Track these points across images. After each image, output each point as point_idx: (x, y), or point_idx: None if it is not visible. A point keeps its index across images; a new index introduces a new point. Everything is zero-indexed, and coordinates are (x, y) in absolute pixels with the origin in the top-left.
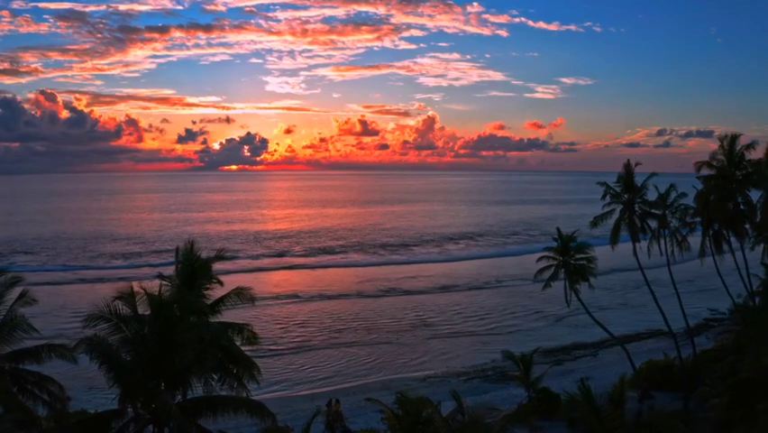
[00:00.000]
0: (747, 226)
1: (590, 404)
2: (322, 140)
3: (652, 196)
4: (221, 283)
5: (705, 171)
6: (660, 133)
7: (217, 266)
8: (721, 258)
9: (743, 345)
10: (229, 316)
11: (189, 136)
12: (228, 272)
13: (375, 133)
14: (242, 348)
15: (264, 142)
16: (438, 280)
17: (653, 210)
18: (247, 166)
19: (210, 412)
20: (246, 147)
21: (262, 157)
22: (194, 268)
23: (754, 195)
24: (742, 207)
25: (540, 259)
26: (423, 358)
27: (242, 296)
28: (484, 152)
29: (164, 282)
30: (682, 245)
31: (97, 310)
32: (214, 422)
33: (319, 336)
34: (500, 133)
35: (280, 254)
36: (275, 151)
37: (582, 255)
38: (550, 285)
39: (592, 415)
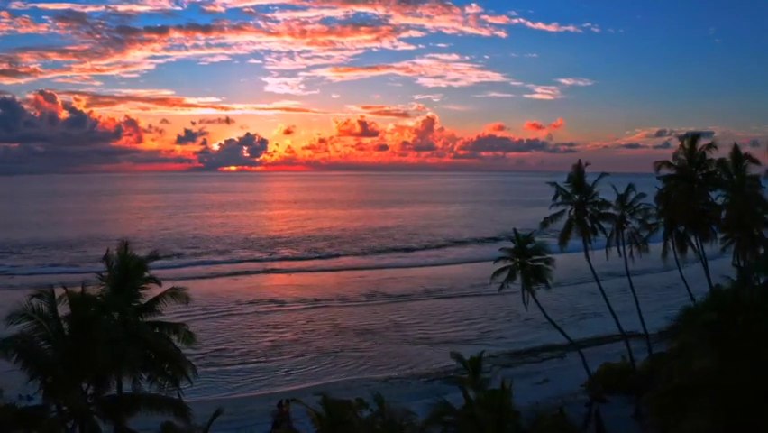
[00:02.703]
0: (715, 228)
1: (469, 409)
2: (321, 140)
3: (611, 196)
4: (159, 283)
5: (665, 171)
6: (659, 133)
7: (199, 270)
8: (684, 260)
9: (681, 349)
10: (206, 319)
11: (189, 137)
12: (216, 275)
13: (374, 133)
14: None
15: (263, 142)
16: (423, 284)
17: (607, 211)
18: (246, 167)
19: (132, 410)
20: (245, 148)
21: (262, 158)
22: (128, 268)
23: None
24: (703, 207)
25: (498, 260)
26: (393, 360)
27: (177, 296)
28: (483, 153)
29: (102, 282)
30: (641, 247)
31: (20, 308)
32: (135, 420)
33: (291, 337)
34: (500, 134)
35: (269, 257)
36: (274, 151)
37: (539, 257)
38: (507, 286)
39: (471, 421)
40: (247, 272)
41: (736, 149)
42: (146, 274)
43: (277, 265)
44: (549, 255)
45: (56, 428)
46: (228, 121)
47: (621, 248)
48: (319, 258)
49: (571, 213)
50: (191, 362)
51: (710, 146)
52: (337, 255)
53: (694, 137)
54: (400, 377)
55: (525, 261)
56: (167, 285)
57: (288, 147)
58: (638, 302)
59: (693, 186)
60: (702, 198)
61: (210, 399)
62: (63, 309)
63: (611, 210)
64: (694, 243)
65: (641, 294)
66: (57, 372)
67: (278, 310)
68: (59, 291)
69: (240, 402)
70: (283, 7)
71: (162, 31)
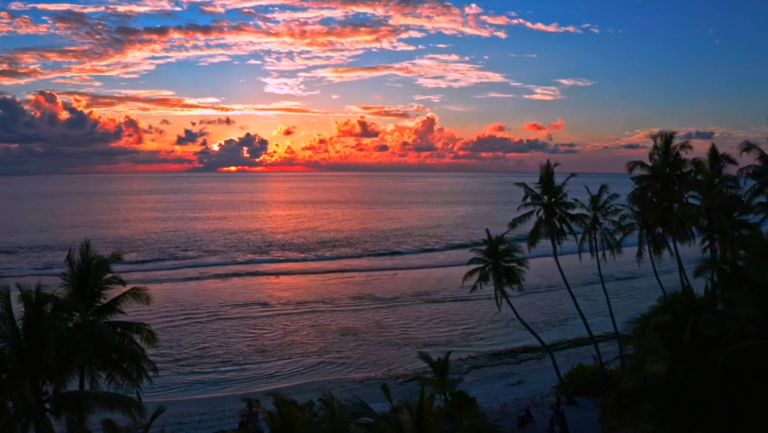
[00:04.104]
0: (694, 229)
1: (393, 415)
2: (321, 141)
3: (584, 198)
4: (122, 283)
5: (638, 171)
6: (659, 135)
7: (188, 272)
8: (660, 261)
9: (636, 353)
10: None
11: (189, 137)
12: (206, 277)
13: (374, 134)
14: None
15: (263, 143)
16: (412, 286)
17: (574, 212)
18: (246, 167)
19: (86, 408)
20: (245, 148)
21: (262, 158)
22: (89, 269)
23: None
24: (678, 208)
25: (471, 261)
26: (374, 361)
27: (138, 296)
28: (483, 154)
29: (64, 282)
30: (613, 249)
31: None
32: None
33: (274, 339)
34: (499, 135)
35: (260, 259)
36: (274, 152)
37: (511, 258)
38: (480, 288)
39: (391, 426)
40: (237, 274)
41: (713, 149)
42: (109, 274)
43: (267, 267)
44: (521, 256)
45: (12, 424)
46: (228, 121)
47: (595, 249)
48: (311, 260)
49: (540, 214)
50: (152, 361)
51: (684, 146)
52: (329, 258)
53: (668, 136)
54: (377, 378)
55: (497, 262)
56: (155, 286)
57: (288, 148)
58: (610, 304)
59: (667, 186)
60: (677, 198)
61: (185, 399)
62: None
63: (584, 211)
64: (671, 244)
65: (632, 297)
66: (10, 369)
67: (262, 311)
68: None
69: (215, 402)
70: (282, 8)
71: (162, 31)
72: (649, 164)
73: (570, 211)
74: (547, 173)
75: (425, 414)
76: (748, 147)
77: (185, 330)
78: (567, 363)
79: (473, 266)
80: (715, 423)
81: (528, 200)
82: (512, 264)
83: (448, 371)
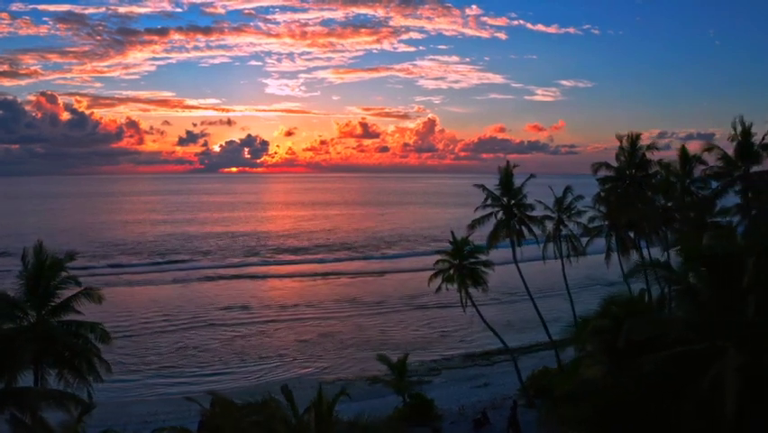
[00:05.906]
0: (665, 229)
1: (308, 415)
2: (322, 142)
3: (549, 200)
4: (78, 283)
5: (602, 173)
6: (660, 135)
7: (179, 274)
8: (627, 261)
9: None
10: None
11: (190, 138)
12: (195, 280)
13: (375, 135)
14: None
15: (264, 144)
16: (400, 289)
17: (537, 214)
18: (247, 168)
19: (31, 404)
20: (246, 149)
21: (263, 159)
22: (43, 268)
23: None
24: (644, 209)
25: (437, 263)
26: (350, 362)
27: (91, 296)
28: (484, 155)
29: (20, 282)
30: (577, 249)
31: None
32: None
33: (254, 340)
34: (500, 136)
35: (250, 262)
36: (275, 153)
37: (475, 259)
38: (446, 288)
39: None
40: (225, 277)
41: (683, 150)
42: (63, 274)
43: (256, 270)
44: (485, 258)
45: None
46: (229, 122)
47: (559, 252)
48: (302, 262)
49: (498, 215)
50: (106, 360)
51: (650, 147)
52: (320, 260)
53: (634, 137)
54: (348, 379)
55: (462, 263)
56: (143, 288)
57: (289, 149)
58: (573, 306)
59: (633, 187)
60: (643, 199)
61: (153, 399)
62: None
63: (548, 213)
64: (641, 245)
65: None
66: None
67: (245, 314)
68: None
69: (182, 402)
70: (283, 9)
71: (163, 32)
72: (615, 165)
73: (530, 213)
74: (506, 174)
75: (323, 415)
76: (710, 147)
77: (165, 331)
78: (539, 365)
79: (438, 267)
80: (646, 430)
81: (488, 202)
82: (477, 266)
83: (407, 372)
